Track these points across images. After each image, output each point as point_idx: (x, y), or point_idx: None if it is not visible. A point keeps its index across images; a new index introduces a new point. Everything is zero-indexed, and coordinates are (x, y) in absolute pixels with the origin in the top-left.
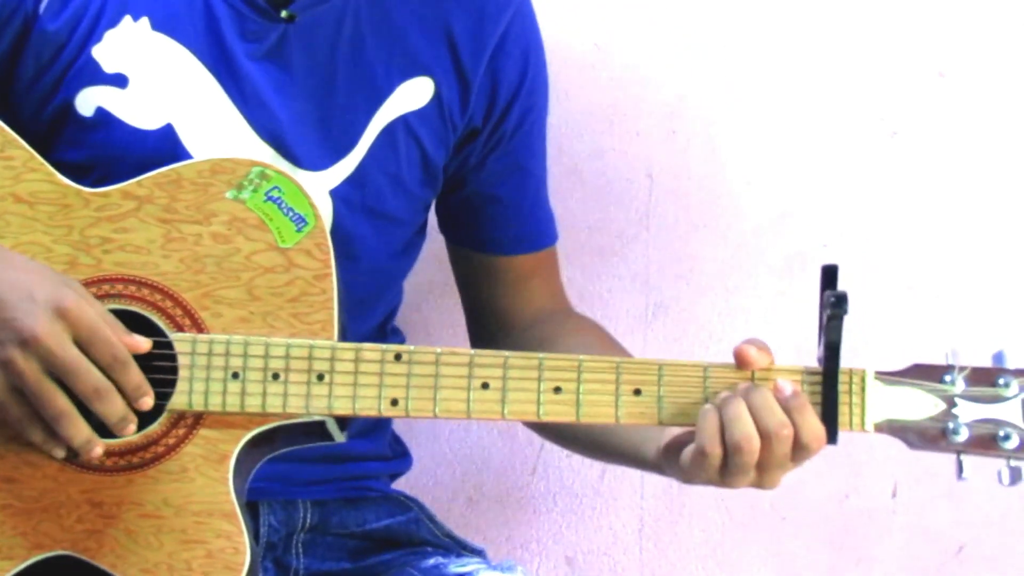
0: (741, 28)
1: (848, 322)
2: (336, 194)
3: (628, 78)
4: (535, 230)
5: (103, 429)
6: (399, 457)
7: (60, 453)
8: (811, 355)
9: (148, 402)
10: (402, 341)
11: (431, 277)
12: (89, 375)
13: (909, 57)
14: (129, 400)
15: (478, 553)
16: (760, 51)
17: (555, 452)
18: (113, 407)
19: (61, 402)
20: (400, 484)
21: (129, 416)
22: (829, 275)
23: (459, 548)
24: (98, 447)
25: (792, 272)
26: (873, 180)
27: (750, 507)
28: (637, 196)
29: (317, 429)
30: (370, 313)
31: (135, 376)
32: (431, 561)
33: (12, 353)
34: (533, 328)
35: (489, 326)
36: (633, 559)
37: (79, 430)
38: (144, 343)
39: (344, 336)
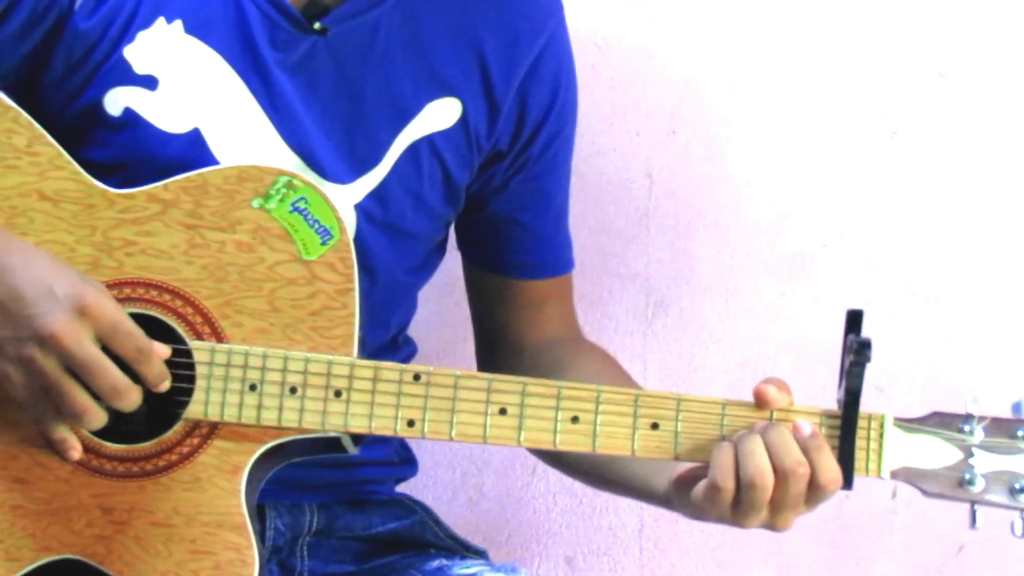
0: (741, 28)
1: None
2: (360, 208)
3: (628, 78)
4: (552, 256)
5: (118, 432)
6: (405, 463)
7: (77, 454)
8: (810, 355)
9: (167, 384)
10: (413, 350)
11: (432, 279)
12: (106, 373)
13: (909, 57)
14: (150, 387)
15: (481, 554)
16: (760, 51)
17: None
18: (131, 405)
19: (82, 398)
20: (402, 485)
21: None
22: (854, 319)
23: (463, 550)
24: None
25: (792, 272)
26: (873, 180)
27: None
28: (637, 196)
29: (331, 442)
30: (385, 325)
31: (158, 367)
32: (435, 563)
33: (32, 351)
34: (544, 353)
35: (499, 348)
36: (633, 559)
37: (102, 425)
38: (163, 350)
39: (363, 349)
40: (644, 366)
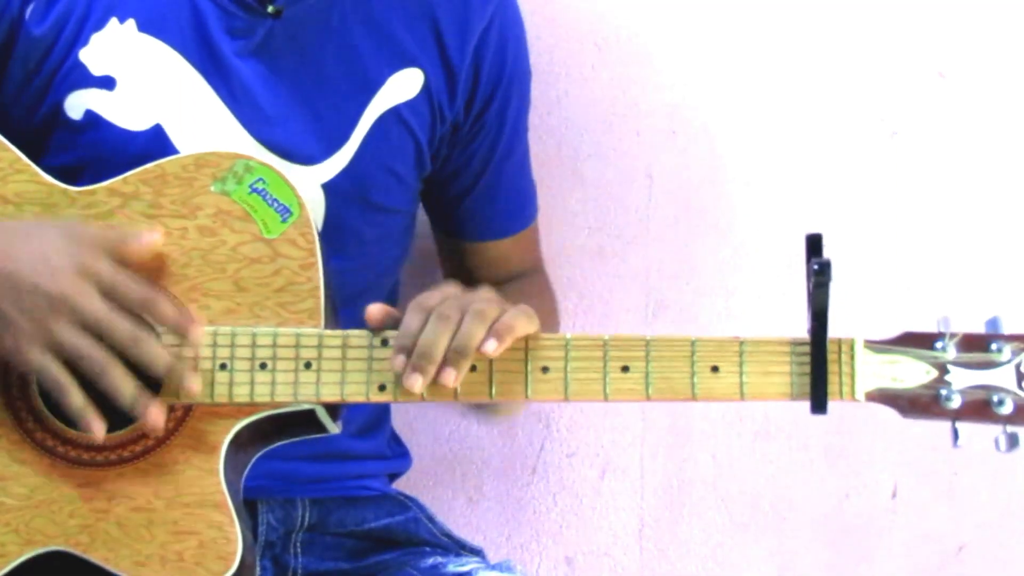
0: (741, 28)
1: (848, 320)
2: (329, 187)
3: (628, 78)
4: (511, 216)
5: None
6: (398, 457)
7: (100, 431)
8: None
9: (197, 331)
10: None
11: (431, 278)
12: (122, 323)
13: (909, 57)
14: (179, 332)
15: (476, 552)
16: (760, 51)
17: (555, 452)
18: (153, 351)
19: (104, 355)
20: (400, 483)
21: (178, 363)
22: (814, 244)
23: (458, 548)
24: (151, 405)
25: (792, 272)
26: (873, 180)
27: (750, 507)
28: (637, 196)
29: (309, 419)
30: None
31: (169, 310)
32: (429, 561)
33: (44, 317)
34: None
35: None
36: (633, 559)
37: (126, 382)
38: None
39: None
40: None
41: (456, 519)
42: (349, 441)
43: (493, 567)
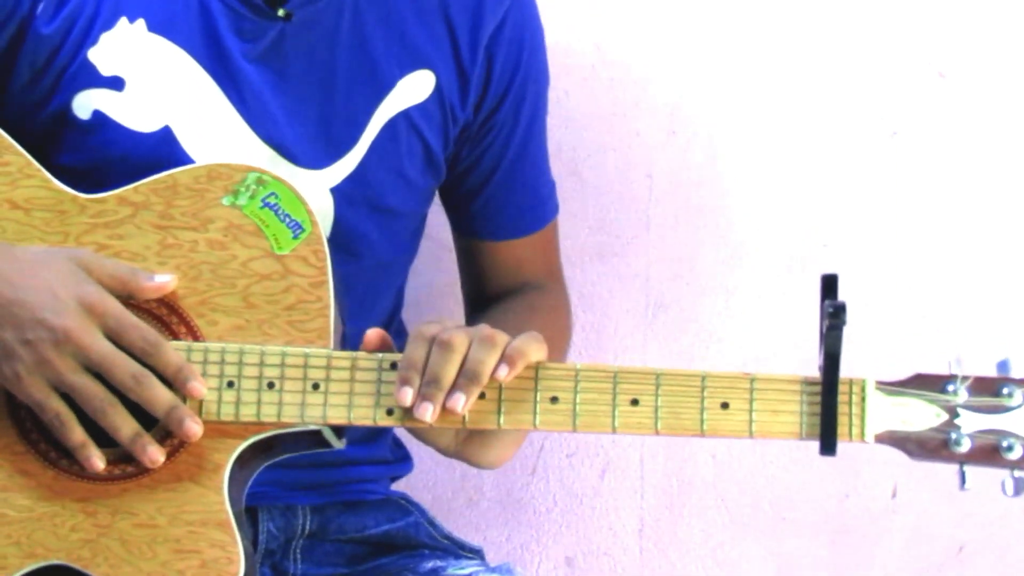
0: (741, 28)
1: (847, 323)
2: (337, 191)
3: (628, 78)
4: (527, 215)
5: (98, 436)
6: (400, 461)
7: (100, 466)
8: (811, 355)
9: (197, 387)
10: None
11: (431, 278)
12: (125, 363)
13: (909, 57)
14: (177, 386)
15: (477, 552)
16: (760, 51)
17: (555, 452)
18: (156, 393)
19: (104, 394)
20: (400, 484)
21: (179, 405)
22: (829, 284)
23: (457, 549)
24: (149, 446)
25: (792, 272)
26: (873, 180)
27: (750, 507)
28: (637, 196)
29: (314, 436)
30: (374, 310)
31: (172, 356)
32: (428, 564)
33: (47, 352)
34: (504, 297)
35: (482, 302)
36: (633, 559)
37: (126, 421)
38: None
39: (344, 343)
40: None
41: (456, 519)
42: (351, 448)
43: (492, 570)
